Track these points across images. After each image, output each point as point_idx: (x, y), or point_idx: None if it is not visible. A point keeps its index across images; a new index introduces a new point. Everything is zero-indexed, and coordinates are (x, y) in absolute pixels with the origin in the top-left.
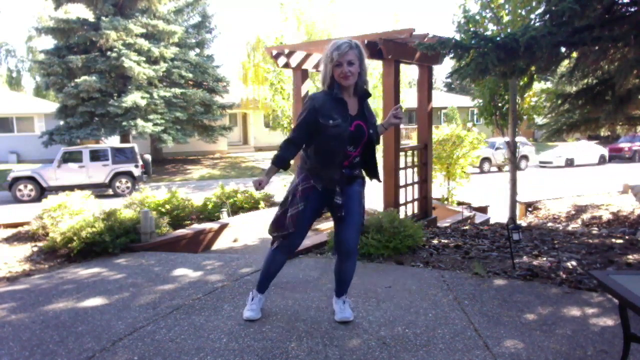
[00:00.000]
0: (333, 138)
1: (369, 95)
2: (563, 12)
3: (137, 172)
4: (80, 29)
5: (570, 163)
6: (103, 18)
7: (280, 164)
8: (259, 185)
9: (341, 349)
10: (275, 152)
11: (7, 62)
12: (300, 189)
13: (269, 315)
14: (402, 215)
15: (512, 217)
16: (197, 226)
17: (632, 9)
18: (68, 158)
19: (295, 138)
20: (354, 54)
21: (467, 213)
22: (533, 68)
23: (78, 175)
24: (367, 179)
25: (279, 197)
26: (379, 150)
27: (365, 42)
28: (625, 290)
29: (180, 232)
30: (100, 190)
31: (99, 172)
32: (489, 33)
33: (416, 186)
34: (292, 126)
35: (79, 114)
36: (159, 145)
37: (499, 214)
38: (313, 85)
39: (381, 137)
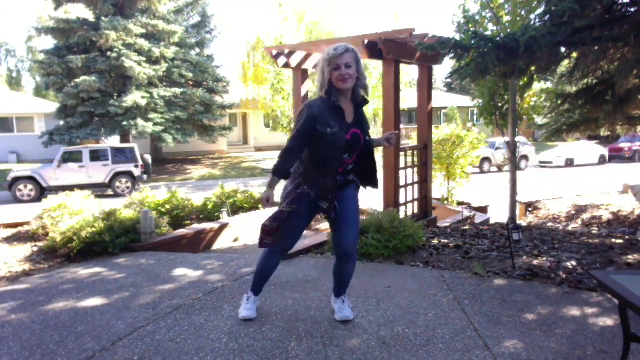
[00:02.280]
0: (330, 146)
1: (366, 102)
2: (563, 12)
3: (137, 172)
4: (80, 29)
5: (570, 163)
6: (103, 18)
7: (281, 174)
8: (267, 202)
9: (341, 349)
10: (275, 162)
11: (7, 62)
12: (294, 194)
13: (269, 315)
14: (402, 215)
15: (512, 217)
16: (197, 226)
17: (632, 9)
18: (68, 158)
19: (295, 147)
20: (351, 57)
21: (467, 213)
22: (533, 68)
23: (78, 175)
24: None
25: (279, 197)
26: (379, 150)
27: (366, 42)
28: (625, 290)
29: (180, 232)
30: (100, 190)
31: (99, 172)
32: (489, 33)
33: (416, 186)
34: (292, 131)
35: (79, 114)
36: (159, 144)
37: (499, 214)
38: (313, 85)
39: (381, 136)
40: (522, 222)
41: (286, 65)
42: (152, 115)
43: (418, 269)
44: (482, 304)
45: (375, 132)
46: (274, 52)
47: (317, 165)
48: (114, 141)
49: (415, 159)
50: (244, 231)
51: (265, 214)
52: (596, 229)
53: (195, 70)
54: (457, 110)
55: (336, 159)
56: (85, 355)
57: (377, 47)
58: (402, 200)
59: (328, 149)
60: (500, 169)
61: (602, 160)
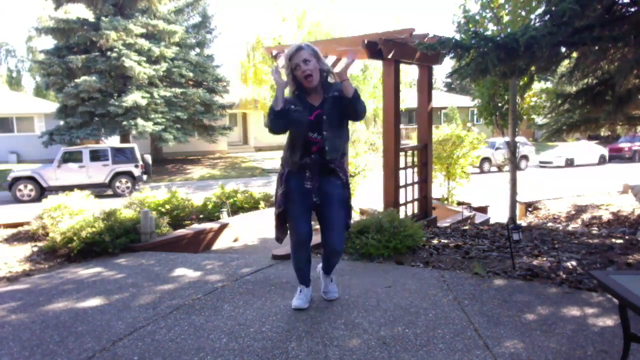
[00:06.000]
0: (295, 124)
1: (329, 82)
2: (563, 12)
3: (137, 172)
4: (80, 29)
5: (570, 163)
6: (103, 18)
7: (276, 102)
8: (275, 72)
9: (341, 349)
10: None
11: (7, 62)
12: (280, 179)
13: (269, 315)
14: (402, 215)
15: (512, 217)
16: (197, 226)
17: (632, 9)
18: (68, 158)
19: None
20: (306, 52)
21: (467, 213)
22: (533, 68)
23: (78, 175)
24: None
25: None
26: (378, 151)
27: (365, 42)
28: (625, 290)
29: (180, 232)
30: (100, 190)
31: (99, 172)
32: (489, 33)
33: (416, 186)
34: None
35: (79, 114)
36: (159, 144)
37: (499, 214)
38: None
39: (380, 137)
40: (522, 222)
41: None
42: (152, 115)
43: (418, 269)
44: (482, 304)
45: (376, 131)
46: (274, 52)
47: (289, 144)
48: (114, 141)
49: (415, 159)
50: (244, 231)
51: (266, 214)
52: (596, 229)
53: (195, 70)
54: (457, 110)
55: (301, 136)
56: (85, 355)
57: (377, 47)
58: (402, 200)
59: (294, 127)
60: (500, 169)
61: (602, 160)
